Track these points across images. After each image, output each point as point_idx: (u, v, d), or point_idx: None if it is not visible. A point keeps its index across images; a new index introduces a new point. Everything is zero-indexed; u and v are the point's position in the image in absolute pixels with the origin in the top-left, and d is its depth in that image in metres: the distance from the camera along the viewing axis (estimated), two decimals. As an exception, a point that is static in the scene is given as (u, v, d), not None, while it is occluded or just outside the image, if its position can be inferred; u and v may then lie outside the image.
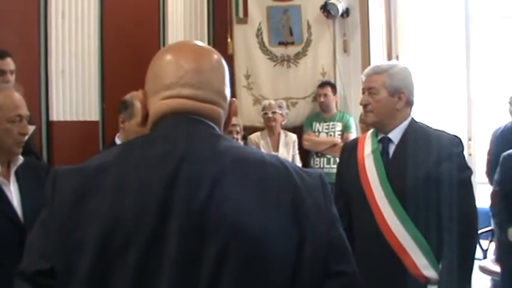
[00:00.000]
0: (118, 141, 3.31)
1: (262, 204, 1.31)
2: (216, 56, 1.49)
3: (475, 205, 2.90)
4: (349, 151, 3.09)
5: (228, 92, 1.49)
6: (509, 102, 5.93)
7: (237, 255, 1.27)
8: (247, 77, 6.66)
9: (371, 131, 3.07)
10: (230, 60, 6.65)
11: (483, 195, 6.20)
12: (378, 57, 6.65)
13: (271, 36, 6.61)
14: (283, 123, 6.03)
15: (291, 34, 6.56)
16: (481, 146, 6.49)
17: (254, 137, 6.01)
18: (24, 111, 2.68)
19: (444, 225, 2.77)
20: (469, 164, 6.47)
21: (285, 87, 6.54)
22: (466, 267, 2.82)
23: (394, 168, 2.87)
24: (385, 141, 2.95)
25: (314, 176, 1.42)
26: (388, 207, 2.80)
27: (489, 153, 6.00)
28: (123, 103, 3.27)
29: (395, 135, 2.93)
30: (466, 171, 2.89)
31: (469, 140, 6.73)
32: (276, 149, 5.90)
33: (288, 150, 5.95)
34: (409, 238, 2.78)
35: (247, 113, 6.57)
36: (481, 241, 5.78)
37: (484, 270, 5.59)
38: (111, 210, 1.28)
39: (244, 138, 5.58)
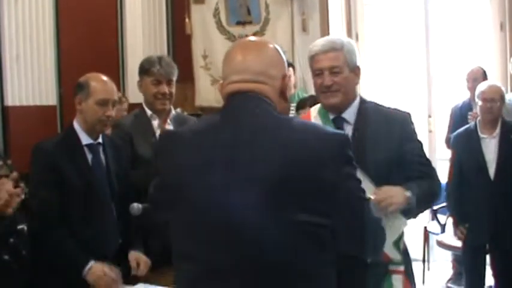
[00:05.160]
0: (76, 125, 3.25)
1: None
2: (263, 46, 2.02)
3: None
4: None
5: (274, 70, 1.96)
6: (467, 79, 6.01)
7: None
8: (205, 57, 6.59)
9: (316, 110, 2.90)
10: (188, 40, 6.60)
11: (443, 171, 6.28)
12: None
13: (228, 15, 6.53)
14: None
15: (249, 13, 6.47)
16: (441, 122, 6.55)
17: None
18: None
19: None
20: (429, 140, 6.63)
21: (243, 67, 6.46)
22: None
23: (356, 152, 2.46)
24: (340, 122, 2.78)
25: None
26: None
27: (449, 129, 6.06)
28: (79, 84, 3.26)
29: (349, 115, 2.77)
30: (421, 143, 2.85)
31: (429, 116, 6.79)
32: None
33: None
34: None
35: (205, 93, 6.54)
36: (439, 216, 5.85)
37: (441, 244, 5.68)
38: None
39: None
